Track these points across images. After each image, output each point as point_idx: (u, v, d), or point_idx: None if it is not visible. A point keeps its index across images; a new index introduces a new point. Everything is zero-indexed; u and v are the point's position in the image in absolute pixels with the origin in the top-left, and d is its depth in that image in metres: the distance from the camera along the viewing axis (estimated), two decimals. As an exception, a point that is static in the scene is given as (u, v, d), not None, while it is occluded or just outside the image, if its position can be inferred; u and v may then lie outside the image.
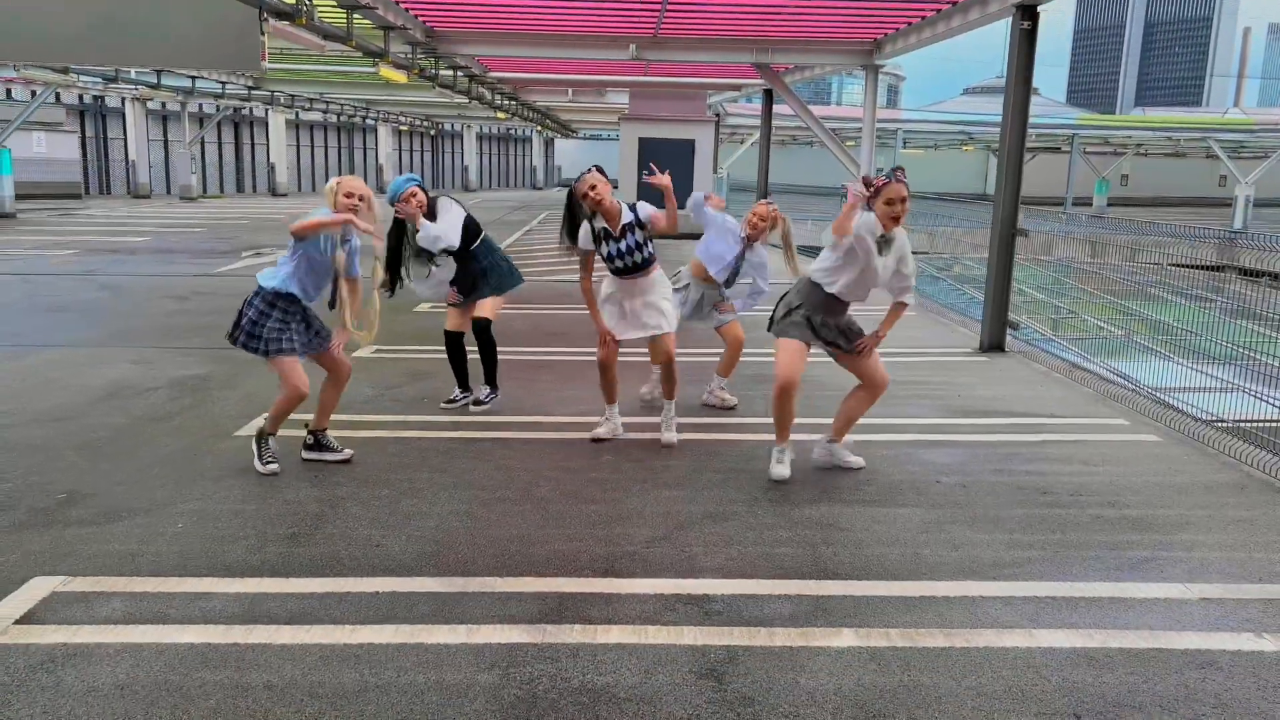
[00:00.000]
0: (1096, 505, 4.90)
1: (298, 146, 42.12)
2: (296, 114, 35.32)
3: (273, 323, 4.97)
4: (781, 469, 5.19)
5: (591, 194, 5.49)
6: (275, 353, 4.97)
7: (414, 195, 5.97)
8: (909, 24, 11.48)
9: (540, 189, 55.45)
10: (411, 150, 50.17)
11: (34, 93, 24.61)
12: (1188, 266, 10.35)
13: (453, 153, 52.51)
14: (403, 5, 10.97)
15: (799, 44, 13.29)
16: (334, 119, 39.92)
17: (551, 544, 4.27)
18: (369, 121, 41.02)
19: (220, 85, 21.75)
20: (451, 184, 53.03)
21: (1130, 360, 8.81)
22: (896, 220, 4.92)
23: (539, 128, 41.64)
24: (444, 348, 6.57)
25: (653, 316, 5.71)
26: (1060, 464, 5.60)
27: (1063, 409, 6.92)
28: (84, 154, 33.17)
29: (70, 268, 13.75)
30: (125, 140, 33.66)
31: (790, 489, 5.06)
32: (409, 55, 12.39)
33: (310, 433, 5.38)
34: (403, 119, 40.95)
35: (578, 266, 5.80)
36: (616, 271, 5.68)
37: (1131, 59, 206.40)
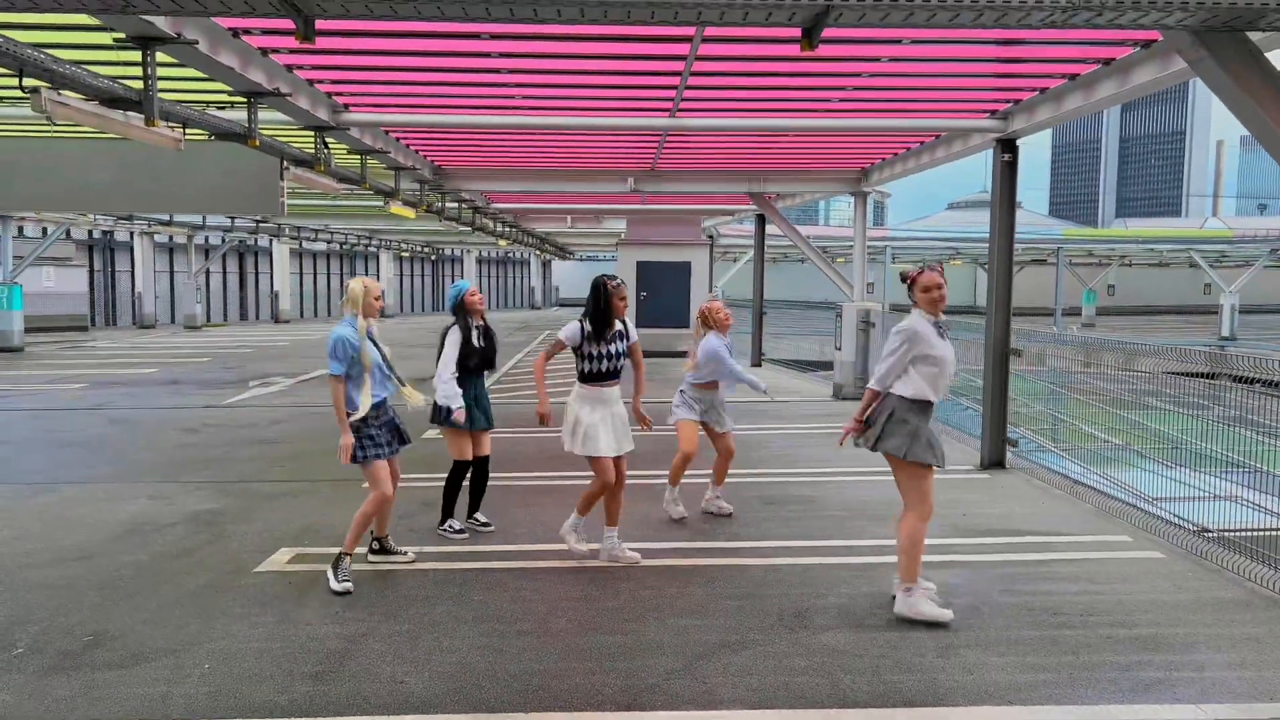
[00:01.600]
0: (1106, 625, 4.98)
1: (300, 274, 43.01)
2: (300, 243, 36.24)
3: (366, 431, 5.50)
4: (945, 612, 5.05)
5: (621, 304, 5.85)
6: (363, 459, 5.49)
7: (474, 294, 6.55)
8: (895, 154, 12.06)
9: (539, 309, 56.35)
10: (412, 275, 51.18)
11: (45, 230, 25.35)
12: (1181, 374, 10.59)
13: (453, 276, 53.53)
14: (412, 147, 11.53)
15: (790, 174, 13.89)
16: (337, 247, 40.90)
17: (573, 677, 4.33)
18: (371, 249, 42.02)
19: (229, 220, 22.46)
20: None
21: (1129, 470, 8.94)
22: (935, 305, 5.07)
23: (537, 251, 42.66)
24: (447, 476, 6.74)
25: (627, 433, 5.92)
26: (1068, 583, 5.69)
27: (1067, 526, 7.04)
28: (92, 287, 33.84)
29: (81, 401, 13.95)
30: (133, 272, 34.40)
31: (805, 615, 5.14)
32: (417, 193, 12.92)
33: (375, 539, 5.98)
34: (405, 246, 41.96)
35: (546, 349, 5.93)
36: (598, 375, 5.82)
37: (1110, 172, 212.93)
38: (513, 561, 6.10)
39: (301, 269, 43.16)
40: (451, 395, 6.36)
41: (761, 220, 19.27)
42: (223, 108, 8.11)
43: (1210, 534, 6.57)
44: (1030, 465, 9.17)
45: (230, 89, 6.70)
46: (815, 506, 7.61)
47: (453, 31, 6.81)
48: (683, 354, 21.05)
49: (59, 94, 4.52)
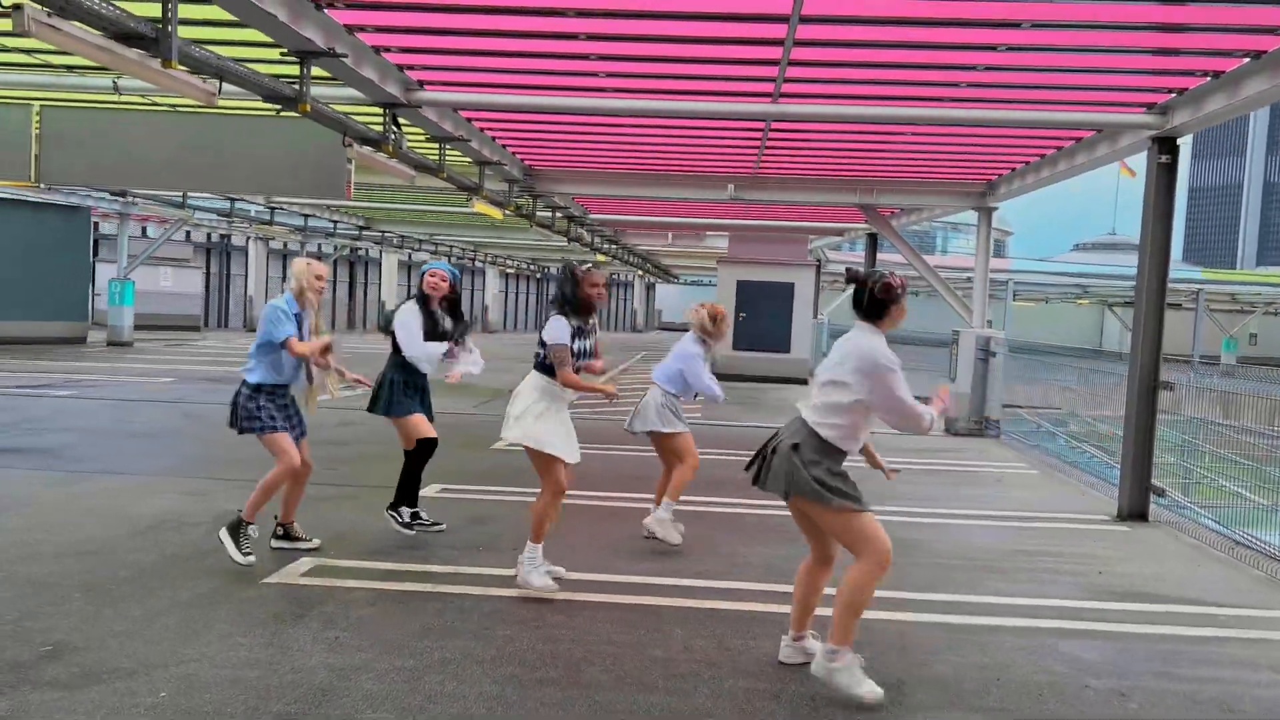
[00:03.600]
0: (1306, 734, 3.79)
1: (408, 286, 43.47)
2: (409, 255, 36.50)
3: (264, 402, 5.36)
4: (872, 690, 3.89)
5: (596, 292, 5.11)
6: (271, 430, 5.33)
7: (434, 274, 6.03)
8: (1026, 163, 10.81)
9: (640, 331, 55.83)
10: (517, 292, 51.36)
11: (161, 230, 25.96)
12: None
13: (557, 295, 53.55)
14: (499, 141, 10.89)
15: (906, 185, 12.75)
16: (444, 260, 41.14)
17: (595, 747, 3.41)
18: (478, 264, 42.21)
19: (331, 224, 22.46)
20: (553, 325, 53.94)
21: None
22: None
23: (640, 272, 42.11)
24: (416, 461, 6.12)
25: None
26: (1243, 669, 4.48)
27: (1231, 595, 5.76)
28: (207, 288, 34.77)
29: (162, 394, 13.78)
30: (246, 276, 35.22)
31: (900, 689, 4.09)
32: (505, 193, 12.31)
33: (280, 525, 5.74)
34: (510, 262, 41.99)
35: (562, 366, 5.00)
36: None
37: (1251, 218, 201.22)
38: (557, 592, 5.22)
39: (409, 281, 43.64)
40: (431, 352, 5.94)
41: (873, 240, 18.11)
42: (293, 83, 7.54)
43: None
44: (1178, 519, 7.83)
45: (281, 48, 6.10)
46: (916, 552, 6.50)
47: (534, 7, 6.07)
48: (789, 380, 19.95)
49: (49, 16, 3.93)
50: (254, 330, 33.21)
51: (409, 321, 5.95)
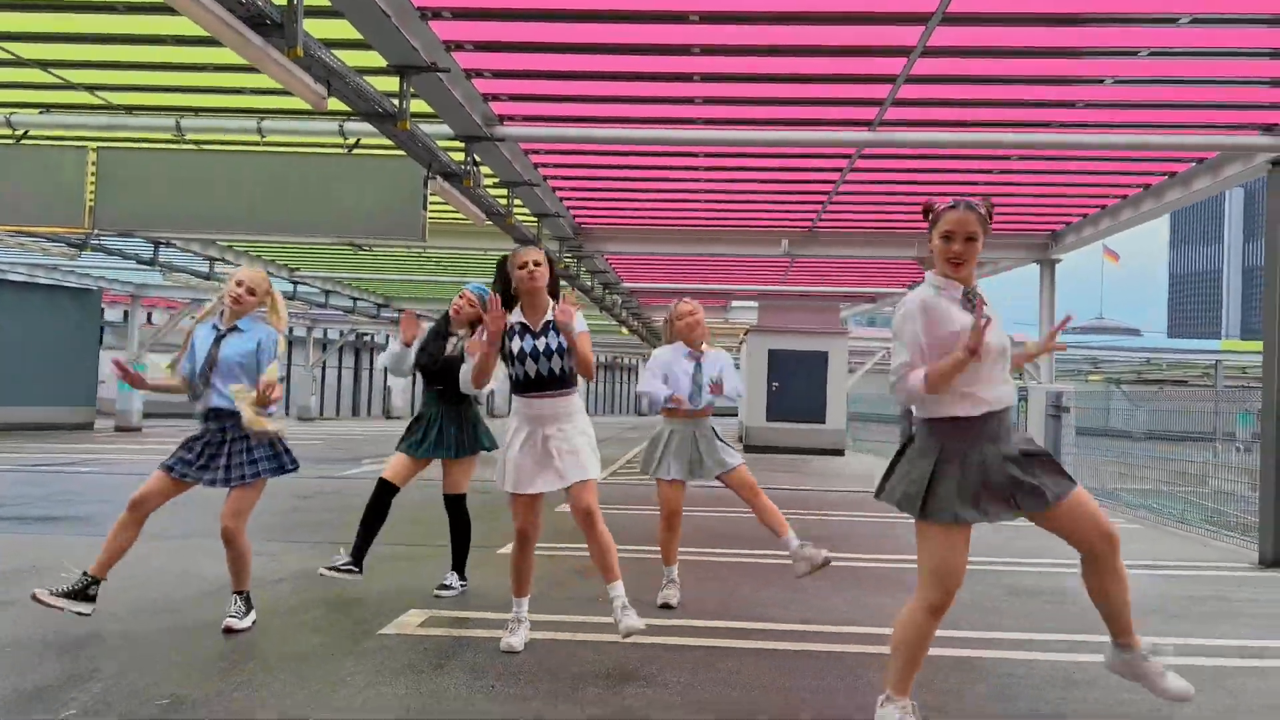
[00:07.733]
0: None
1: (415, 375, 42.97)
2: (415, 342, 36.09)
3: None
4: None
5: (527, 272, 4.16)
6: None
7: (463, 296, 5.53)
8: (1103, 207, 10.48)
9: (644, 415, 55.35)
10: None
11: (169, 317, 25.47)
12: None
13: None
14: (558, 193, 10.55)
15: (965, 238, 12.41)
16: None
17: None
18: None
19: (352, 301, 22.08)
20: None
21: None
22: (957, 263, 3.13)
23: (649, 352, 41.84)
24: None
25: (573, 460, 4.27)
26: None
27: None
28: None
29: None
30: (253, 364, 34.71)
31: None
32: (556, 252, 11.93)
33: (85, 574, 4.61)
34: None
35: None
36: (529, 384, 4.24)
37: (1233, 300, 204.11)
38: (703, 639, 4.61)
39: (414, 367, 43.16)
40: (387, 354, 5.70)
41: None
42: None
43: None
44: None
45: (383, 61, 5.73)
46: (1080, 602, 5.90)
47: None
48: (818, 452, 19.35)
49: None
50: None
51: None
